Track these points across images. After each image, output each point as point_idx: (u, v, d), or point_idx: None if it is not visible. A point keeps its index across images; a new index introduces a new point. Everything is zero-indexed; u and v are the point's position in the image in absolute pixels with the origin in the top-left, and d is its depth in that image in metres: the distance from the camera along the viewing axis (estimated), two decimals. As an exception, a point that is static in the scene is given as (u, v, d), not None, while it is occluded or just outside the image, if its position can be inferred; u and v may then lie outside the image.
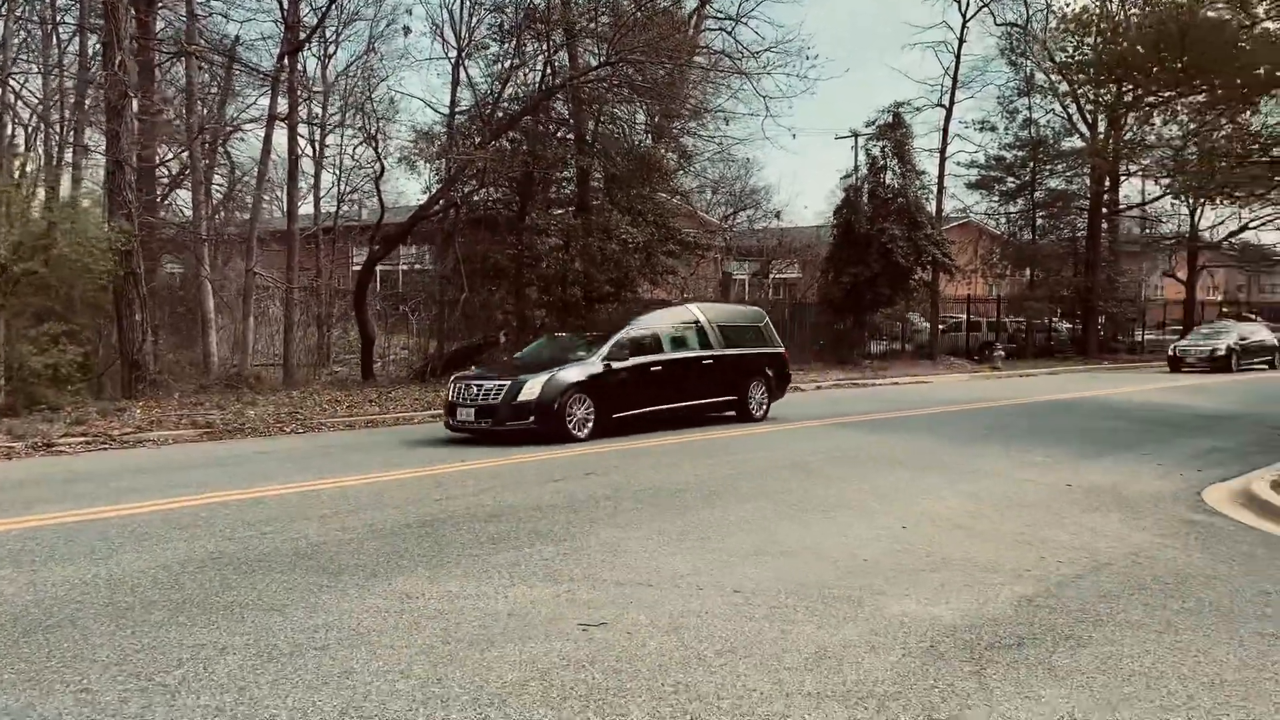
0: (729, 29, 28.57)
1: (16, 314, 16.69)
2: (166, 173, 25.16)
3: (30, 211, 17.96)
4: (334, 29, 29.24)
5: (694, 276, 35.00)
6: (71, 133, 24.87)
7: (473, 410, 13.25)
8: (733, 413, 15.71)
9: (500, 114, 25.06)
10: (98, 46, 20.82)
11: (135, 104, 18.91)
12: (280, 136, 24.56)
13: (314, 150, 31.45)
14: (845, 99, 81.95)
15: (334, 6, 25.73)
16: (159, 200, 23.47)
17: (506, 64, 25.13)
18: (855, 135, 34.77)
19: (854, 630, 4.97)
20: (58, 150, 26.59)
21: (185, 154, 23.77)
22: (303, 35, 24.65)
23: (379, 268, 27.87)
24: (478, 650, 4.62)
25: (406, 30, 27.25)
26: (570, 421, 13.10)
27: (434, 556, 6.54)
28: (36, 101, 24.94)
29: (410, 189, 47.34)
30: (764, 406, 16.01)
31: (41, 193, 21.88)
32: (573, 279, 24.80)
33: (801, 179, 64.37)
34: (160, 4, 22.18)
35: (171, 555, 6.56)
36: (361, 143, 28.65)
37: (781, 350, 16.83)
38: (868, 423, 16.01)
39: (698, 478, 10.11)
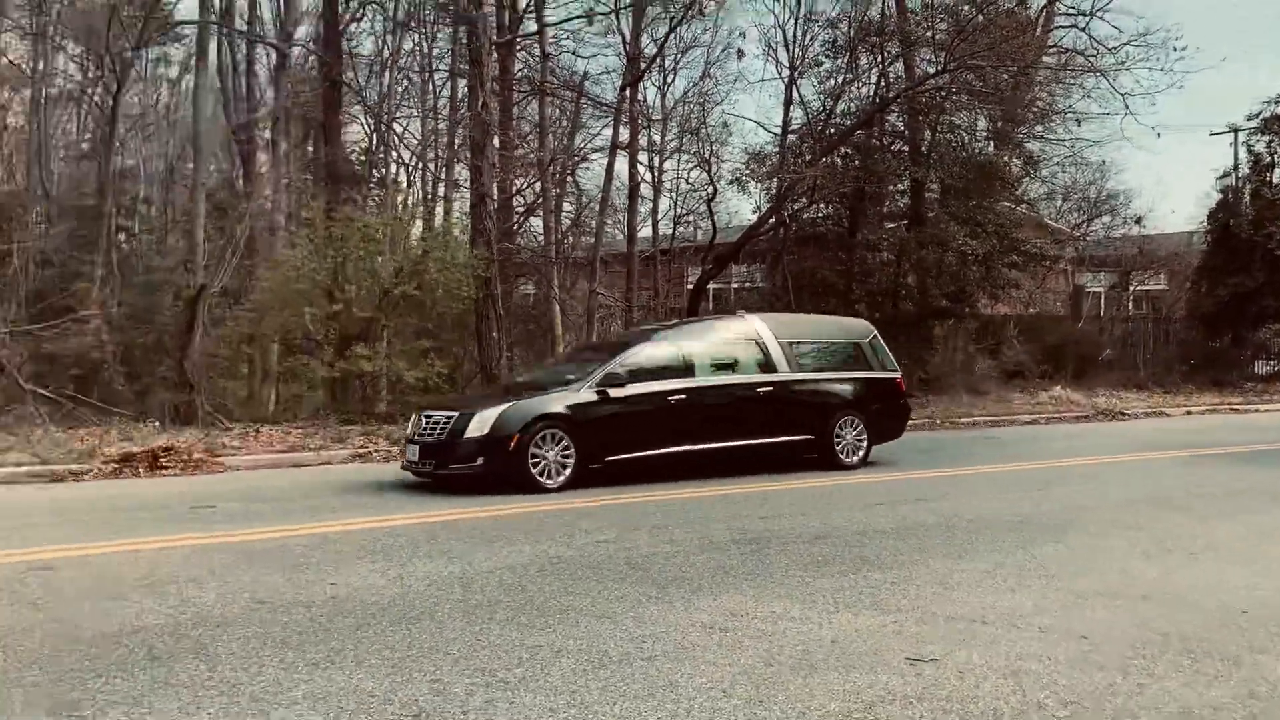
0: (1081, 25, 26.45)
1: (396, 332, 18.79)
2: (522, 201, 27.30)
3: (409, 241, 20.26)
4: (672, 58, 30.41)
5: (1040, 290, 32.78)
6: (444, 169, 27.80)
7: (418, 448, 10.64)
8: (815, 454, 12.10)
9: (832, 130, 24.93)
10: (465, 90, 23.11)
11: (496, 141, 20.67)
12: (621, 164, 26.06)
13: (652, 176, 32.87)
14: (1219, 90, 73.52)
15: (672, 36, 26.75)
16: (514, 228, 25.48)
17: (839, 79, 25.05)
18: (1235, 130, 31.25)
19: (1226, 690, 4.32)
20: (432, 186, 29.83)
21: (538, 184, 25.67)
22: (642, 66, 25.87)
23: (710, 286, 28.58)
24: (800, 676, 4.50)
25: (740, 54, 27.86)
26: (536, 465, 10.12)
27: (759, 575, 6.50)
28: (416, 142, 28.12)
29: (742, 209, 48.13)
30: (860, 449, 12.18)
31: (419, 224, 24.64)
32: (905, 293, 24.08)
33: (1166, 181, 58.49)
34: (519, 48, 24.12)
35: (517, 558, 7.01)
36: (695, 166, 29.55)
37: (892, 376, 13.00)
38: (1245, 455, 14.12)
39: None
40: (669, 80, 32.17)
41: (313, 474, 12.29)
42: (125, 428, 14.73)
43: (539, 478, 10.09)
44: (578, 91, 26.81)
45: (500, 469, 10.08)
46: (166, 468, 11.98)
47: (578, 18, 23.01)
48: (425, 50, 27.78)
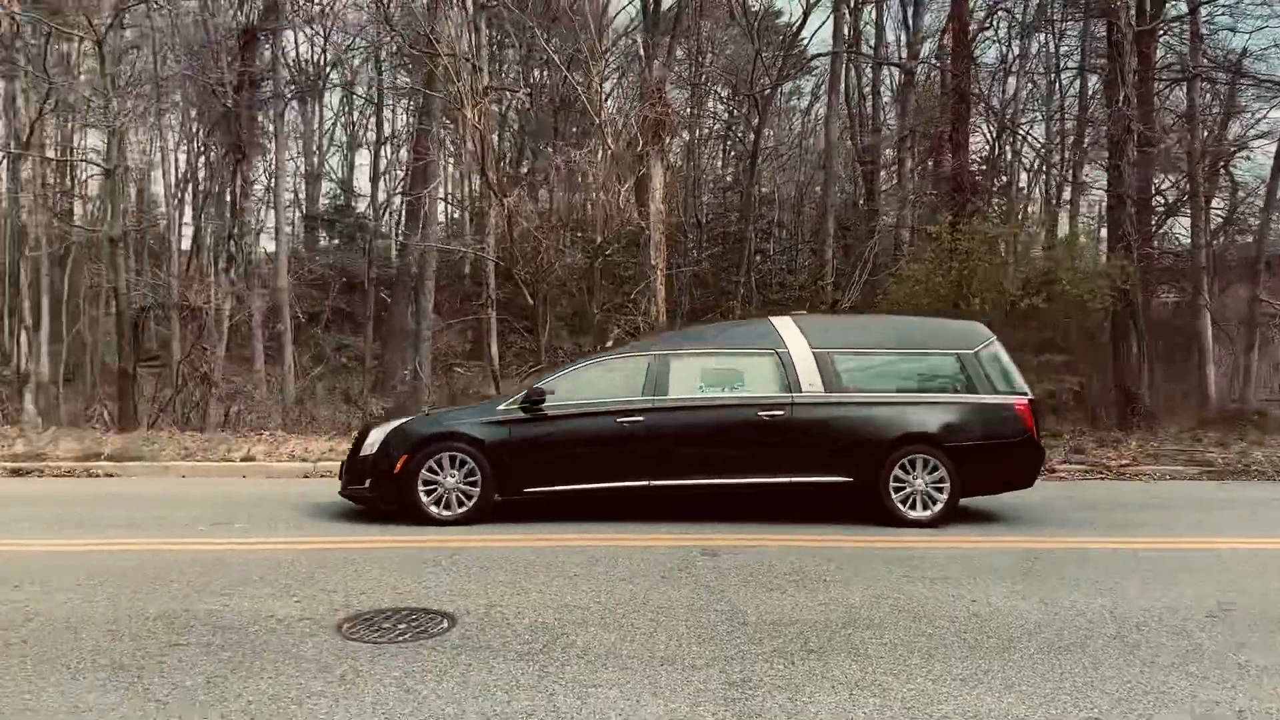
0: None
1: (1020, 346, 18.04)
2: (1162, 201, 24.68)
3: (1031, 251, 19.38)
4: None
5: None
6: (1069, 171, 26.19)
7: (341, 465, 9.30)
8: (865, 503, 8.86)
9: None
10: (1097, 86, 21.54)
11: (1135, 136, 18.93)
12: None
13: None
14: None
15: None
16: (1154, 230, 23.12)
17: None
18: None
19: None
20: (1056, 190, 28.27)
21: (1184, 180, 22.97)
22: None
23: None
24: None
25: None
26: (431, 492, 8.41)
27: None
28: (1040, 146, 26.86)
29: None
30: (938, 501, 8.77)
31: (1041, 232, 23.49)
32: None
33: None
34: (1161, 33, 21.85)
35: (1177, 598, 6.19)
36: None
37: (1004, 401, 9.11)
38: None
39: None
40: None
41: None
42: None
43: (430, 507, 8.37)
44: (1234, 71, 23.49)
45: (386, 494, 8.50)
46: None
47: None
48: (1051, 50, 26.49)
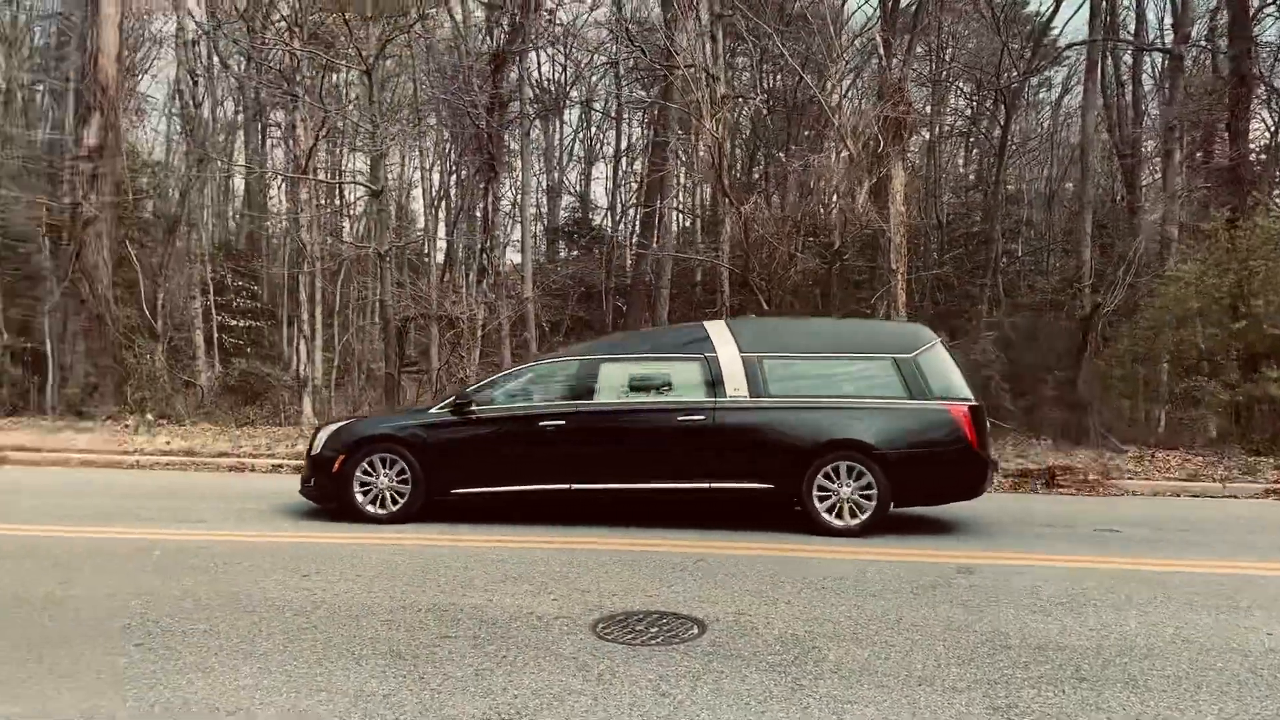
0: None
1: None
2: None
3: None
4: None
5: None
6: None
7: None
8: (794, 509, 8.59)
9: None
10: None
11: None
12: None
13: None
14: None
15: None
16: None
17: None
18: None
19: None
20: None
21: None
22: None
23: None
24: None
25: None
26: (367, 492, 8.63)
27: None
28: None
29: None
30: (865, 510, 8.37)
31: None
32: None
33: None
34: None
35: None
36: None
37: (939, 407, 8.53)
38: None
39: None
40: None
41: (1217, 506, 11.14)
42: (1019, 444, 15.22)
43: (366, 506, 8.64)
44: None
45: (326, 492, 8.84)
46: (1063, 487, 12.01)
47: None
48: (1348, 21, 23.64)
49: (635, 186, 32.72)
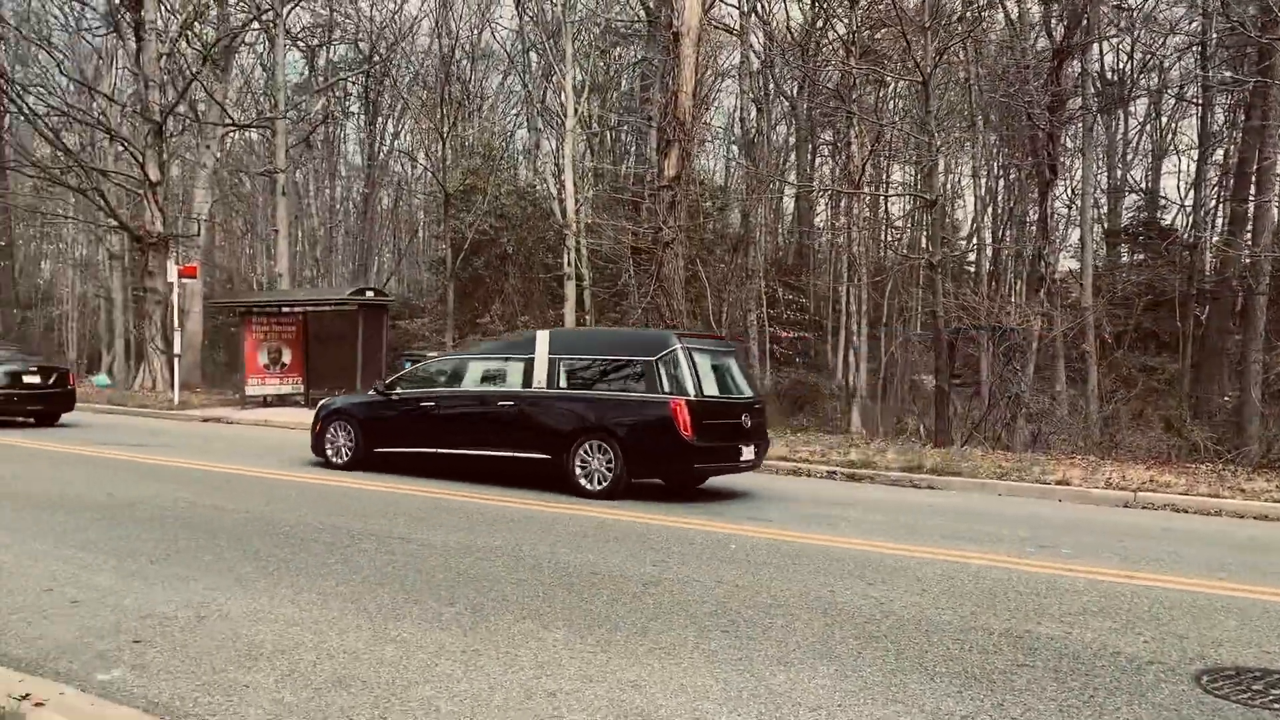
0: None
1: None
2: None
3: None
4: None
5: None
6: None
7: None
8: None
9: None
10: None
11: None
12: None
13: None
14: None
15: None
16: None
17: None
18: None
19: None
20: None
21: None
22: None
23: None
24: None
25: None
26: (329, 447, 12.20)
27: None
28: None
29: None
30: (608, 479, 10.20)
31: None
32: None
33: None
34: None
35: None
36: None
37: (665, 398, 10.10)
38: None
39: None
40: None
41: None
42: None
43: (331, 458, 12.14)
44: None
45: (316, 447, 12.35)
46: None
47: None
48: None
49: (1217, 179, 28.91)
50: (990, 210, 33.55)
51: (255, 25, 29.35)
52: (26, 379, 16.45)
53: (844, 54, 21.27)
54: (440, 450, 11.36)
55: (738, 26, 30.98)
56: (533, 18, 32.02)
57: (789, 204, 38.55)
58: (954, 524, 9.47)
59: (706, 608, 5.88)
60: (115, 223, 22.41)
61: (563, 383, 10.77)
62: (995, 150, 32.19)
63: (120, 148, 26.36)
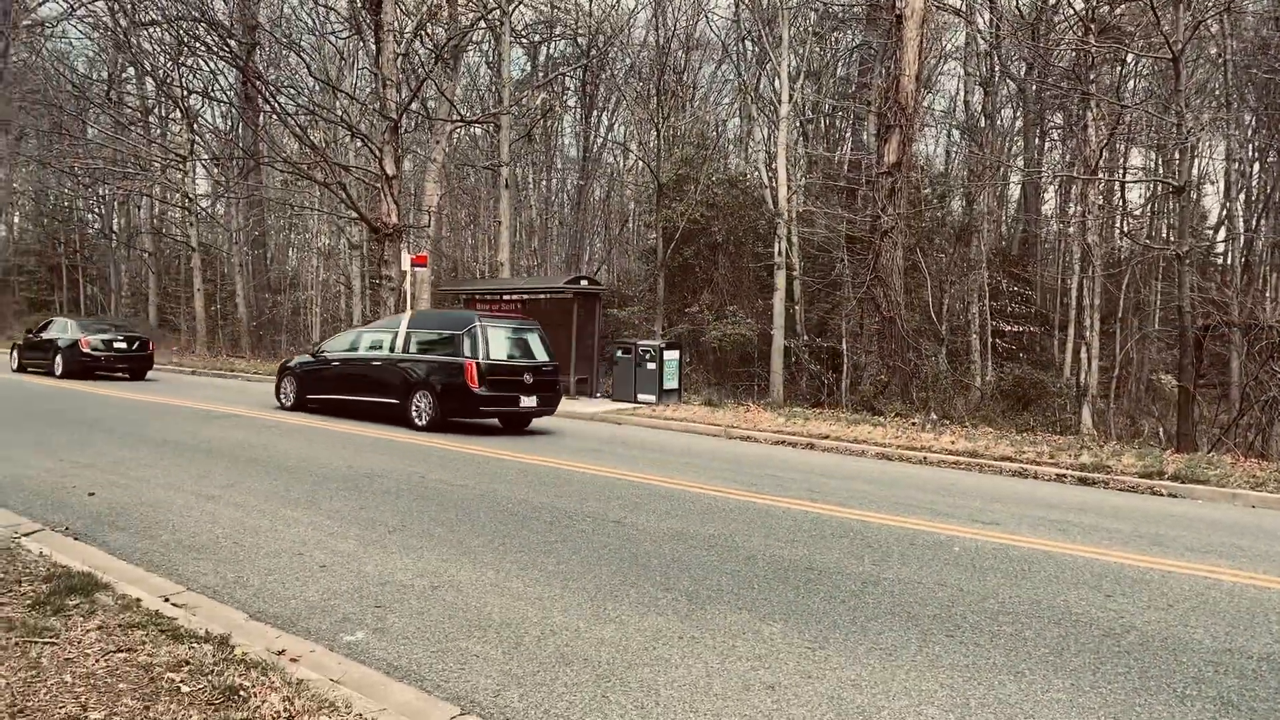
0: None
1: None
2: None
3: None
4: None
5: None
6: None
7: None
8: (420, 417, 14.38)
9: None
10: None
11: None
12: None
13: None
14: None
15: None
16: None
17: None
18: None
19: None
20: None
21: None
22: None
23: None
24: None
25: None
26: (281, 395, 16.30)
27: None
28: None
29: None
30: (426, 415, 14.18)
31: None
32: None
33: None
34: None
35: None
36: None
37: (461, 360, 13.99)
38: None
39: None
40: None
41: None
42: None
43: (282, 402, 16.24)
44: None
45: (276, 394, 16.56)
46: None
47: None
48: None
49: None
50: (1243, 196, 30.69)
51: (482, 24, 30.60)
52: (117, 345, 21.72)
53: (1082, 31, 19.91)
54: (344, 397, 15.33)
55: (963, 6, 29.70)
56: (749, 5, 31.80)
57: (1014, 191, 36.65)
58: (1202, 536, 8.73)
59: (928, 610, 5.68)
60: (355, 214, 23.95)
61: (413, 349, 14.72)
62: (1251, 131, 29.42)
63: (359, 144, 28.16)
